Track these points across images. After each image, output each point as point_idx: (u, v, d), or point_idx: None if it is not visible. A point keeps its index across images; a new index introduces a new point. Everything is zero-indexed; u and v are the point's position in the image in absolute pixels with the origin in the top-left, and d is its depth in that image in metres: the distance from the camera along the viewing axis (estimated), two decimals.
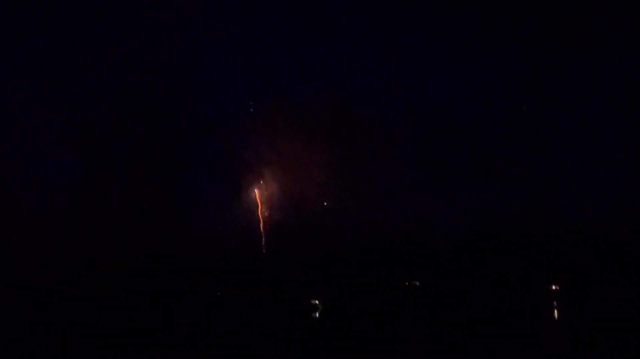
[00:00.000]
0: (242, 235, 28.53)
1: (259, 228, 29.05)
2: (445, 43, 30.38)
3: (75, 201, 27.95)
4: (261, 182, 29.18)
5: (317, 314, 25.64)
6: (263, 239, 28.90)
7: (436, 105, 27.76)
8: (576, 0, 28.07)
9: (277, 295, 25.97)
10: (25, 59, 27.36)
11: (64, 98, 27.52)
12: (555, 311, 24.10)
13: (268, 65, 28.89)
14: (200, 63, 27.86)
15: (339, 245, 27.44)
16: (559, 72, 28.96)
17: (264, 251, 28.74)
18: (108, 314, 21.95)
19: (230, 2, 30.06)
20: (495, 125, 27.68)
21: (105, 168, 28.14)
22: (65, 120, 28.12)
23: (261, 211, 29.01)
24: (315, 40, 29.35)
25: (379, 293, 25.38)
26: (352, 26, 29.57)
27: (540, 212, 28.21)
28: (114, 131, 27.89)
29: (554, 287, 25.65)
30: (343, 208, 26.96)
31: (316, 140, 27.18)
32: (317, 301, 26.49)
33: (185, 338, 19.20)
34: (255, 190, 29.20)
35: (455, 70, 29.91)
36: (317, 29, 29.25)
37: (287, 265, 27.33)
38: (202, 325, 21.58)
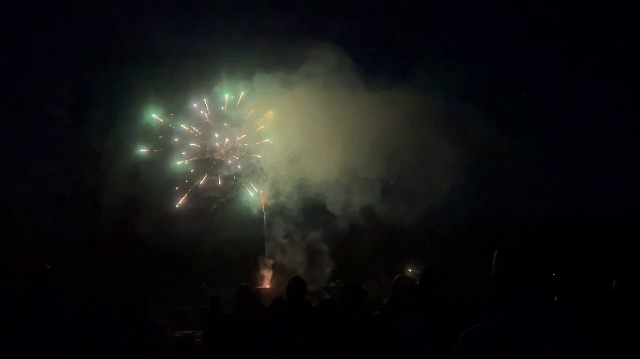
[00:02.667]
0: (245, 224, 28.50)
1: (262, 216, 29.06)
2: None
3: (71, 191, 27.99)
4: (263, 170, 29.07)
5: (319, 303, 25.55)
6: (265, 230, 28.91)
7: (431, 91, 27.51)
8: None
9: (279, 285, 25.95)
10: (20, 48, 27.29)
11: (62, 87, 27.48)
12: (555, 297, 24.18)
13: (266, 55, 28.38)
14: (200, 55, 27.40)
15: (343, 233, 27.34)
16: (556, 62, 28.86)
17: (265, 240, 28.74)
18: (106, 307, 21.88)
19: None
20: (494, 110, 27.52)
21: (103, 159, 28.13)
22: (63, 111, 28.17)
23: (263, 199, 28.99)
24: None
25: (381, 281, 25.31)
26: None
27: (538, 197, 28.31)
28: (112, 121, 27.82)
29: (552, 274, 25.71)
30: (347, 194, 26.67)
31: (318, 125, 26.85)
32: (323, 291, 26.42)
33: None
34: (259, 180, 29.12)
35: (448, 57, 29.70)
36: None
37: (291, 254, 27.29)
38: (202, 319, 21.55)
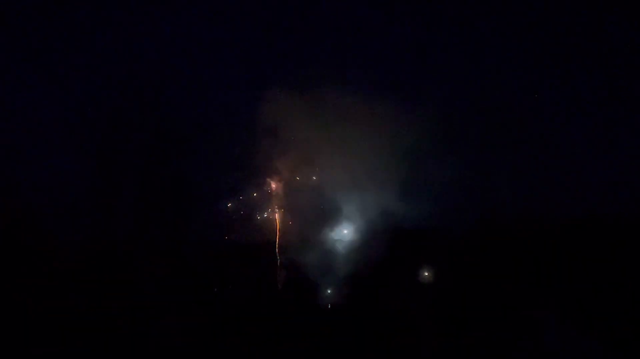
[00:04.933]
0: (257, 227, 28.62)
1: (274, 220, 29.10)
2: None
3: (85, 195, 28.23)
4: (275, 173, 29.16)
5: (329, 306, 25.65)
6: (277, 233, 28.96)
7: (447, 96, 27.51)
8: None
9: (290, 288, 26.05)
10: (30, 57, 27.46)
11: (72, 95, 27.77)
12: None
13: (273, 53, 28.45)
14: (205, 56, 27.59)
15: (355, 236, 27.40)
16: (566, 63, 28.63)
17: (277, 244, 28.79)
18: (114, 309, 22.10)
19: None
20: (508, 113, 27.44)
21: (115, 163, 28.32)
22: (75, 117, 28.43)
23: (275, 204, 29.05)
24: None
25: (392, 284, 25.36)
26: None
27: (551, 202, 28.03)
28: (122, 126, 28.01)
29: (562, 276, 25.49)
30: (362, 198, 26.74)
31: (332, 128, 26.93)
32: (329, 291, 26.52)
33: (193, 333, 19.28)
34: (271, 183, 29.18)
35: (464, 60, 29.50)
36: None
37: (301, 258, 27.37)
38: (210, 321, 21.63)
